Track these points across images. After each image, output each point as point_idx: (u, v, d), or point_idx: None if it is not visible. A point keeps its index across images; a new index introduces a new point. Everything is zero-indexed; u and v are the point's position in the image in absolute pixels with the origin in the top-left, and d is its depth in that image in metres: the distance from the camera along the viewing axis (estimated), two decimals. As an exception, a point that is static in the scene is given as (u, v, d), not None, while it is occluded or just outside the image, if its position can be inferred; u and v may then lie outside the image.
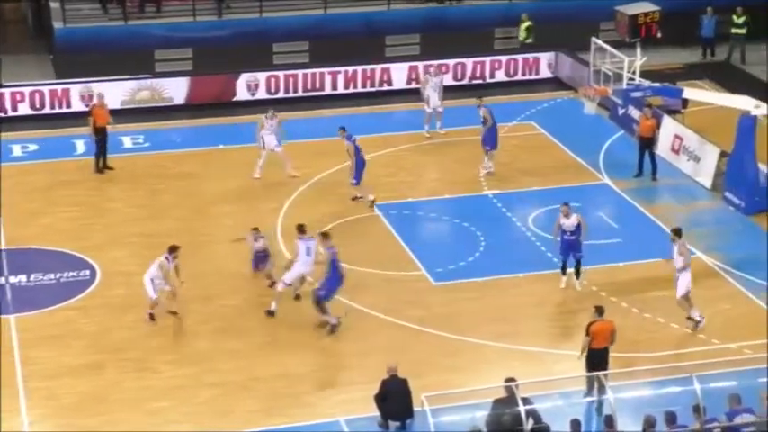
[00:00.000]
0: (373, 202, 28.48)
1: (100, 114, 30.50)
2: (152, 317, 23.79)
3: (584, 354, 21.22)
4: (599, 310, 21.43)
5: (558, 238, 24.88)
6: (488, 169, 30.32)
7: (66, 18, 36.70)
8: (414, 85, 36.13)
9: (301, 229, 24.14)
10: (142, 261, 26.21)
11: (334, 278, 23.53)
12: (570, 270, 24.99)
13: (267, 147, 29.88)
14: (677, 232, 23.91)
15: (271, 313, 24.15)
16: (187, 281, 24.63)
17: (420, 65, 36.24)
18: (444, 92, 33.14)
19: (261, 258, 25.45)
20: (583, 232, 24.65)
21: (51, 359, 22.69)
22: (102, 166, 30.67)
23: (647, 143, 30.46)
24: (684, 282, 23.56)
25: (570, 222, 24.58)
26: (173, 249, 23.83)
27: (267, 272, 25.31)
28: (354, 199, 28.66)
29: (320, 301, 23.54)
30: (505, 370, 21.84)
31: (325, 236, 24.07)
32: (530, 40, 37.84)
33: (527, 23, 37.75)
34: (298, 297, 24.50)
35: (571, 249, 24.73)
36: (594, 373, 20.56)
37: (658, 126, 31.01)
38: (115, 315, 24.25)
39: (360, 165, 28.40)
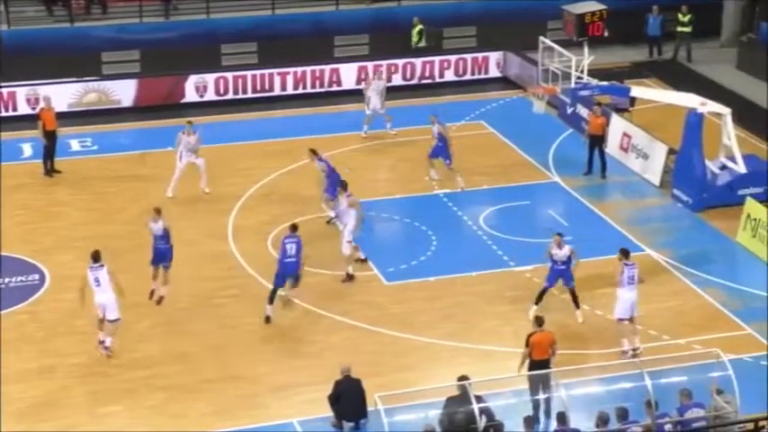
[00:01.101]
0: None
1: (48, 118, 30.22)
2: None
3: (524, 365, 21.02)
4: (538, 321, 21.32)
5: (549, 264, 24.17)
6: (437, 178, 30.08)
7: (11, 20, 36.33)
8: (363, 86, 36.12)
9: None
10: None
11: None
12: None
13: (185, 160, 29.11)
14: (625, 253, 23.16)
15: (350, 277, 25.22)
16: (137, 285, 24.49)
17: (370, 65, 36.25)
18: (394, 92, 33.10)
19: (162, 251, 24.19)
20: (574, 262, 23.96)
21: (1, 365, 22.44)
22: (50, 169, 30.41)
23: (598, 141, 30.65)
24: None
25: (563, 253, 23.84)
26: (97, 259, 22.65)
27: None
28: (330, 222, 27.76)
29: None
30: (458, 368, 21.91)
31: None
32: (422, 44, 37.41)
33: (419, 27, 37.28)
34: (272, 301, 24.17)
35: (562, 278, 24.07)
36: (538, 372, 20.55)
37: (608, 123, 31.23)
38: (65, 319, 24.03)
39: (335, 180, 27.30)
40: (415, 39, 37.48)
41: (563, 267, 23.88)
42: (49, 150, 30.31)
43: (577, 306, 24.07)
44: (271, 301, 23.78)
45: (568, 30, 33.72)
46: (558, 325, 22.76)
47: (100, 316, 22.73)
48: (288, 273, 23.69)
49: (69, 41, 36.35)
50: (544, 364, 20.93)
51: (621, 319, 22.73)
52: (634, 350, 22.70)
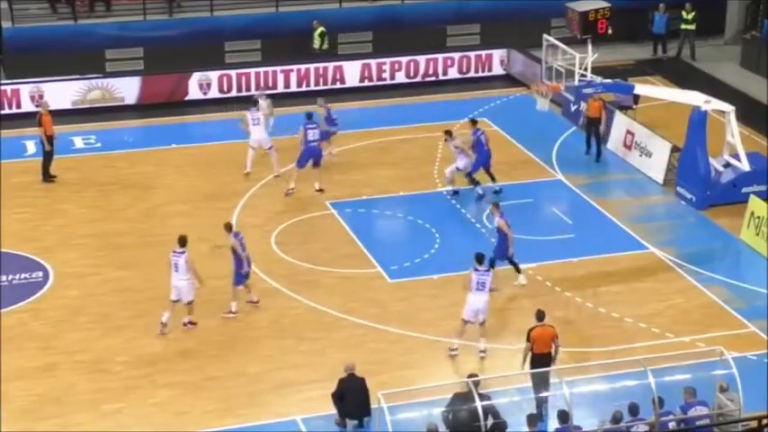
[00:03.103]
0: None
1: (47, 122, 29.96)
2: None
3: (527, 360, 21.11)
4: (539, 316, 21.39)
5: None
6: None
7: (15, 18, 36.34)
8: (367, 83, 36.25)
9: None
10: (94, 262, 26.16)
11: None
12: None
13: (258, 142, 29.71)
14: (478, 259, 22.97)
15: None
16: (140, 282, 24.54)
17: (373, 62, 36.27)
18: (397, 90, 33.02)
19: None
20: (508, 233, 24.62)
21: (4, 362, 22.44)
22: (50, 175, 30.04)
23: (595, 123, 31.25)
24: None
25: (496, 221, 24.75)
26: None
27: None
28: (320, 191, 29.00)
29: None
30: (462, 366, 21.96)
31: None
32: (325, 47, 36.75)
33: (320, 29, 36.60)
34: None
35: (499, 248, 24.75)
36: (542, 370, 20.64)
37: (605, 107, 31.46)
38: (68, 317, 24.06)
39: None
40: (316, 42, 36.65)
41: (498, 239, 24.58)
42: (51, 156, 30.02)
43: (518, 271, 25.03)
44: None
45: (572, 27, 33.67)
46: (560, 322, 22.76)
47: (173, 298, 23.18)
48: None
49: (73, 39, 36.36)
50: (546, 358, 21.02)
51: (465, 321, 22.62)
52: (482, 351, 22.73)
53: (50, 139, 29.95)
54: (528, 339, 21.09)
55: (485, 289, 22.45)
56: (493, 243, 25.96)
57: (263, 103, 30.72)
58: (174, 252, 23.28)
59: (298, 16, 38.03)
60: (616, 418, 18.97)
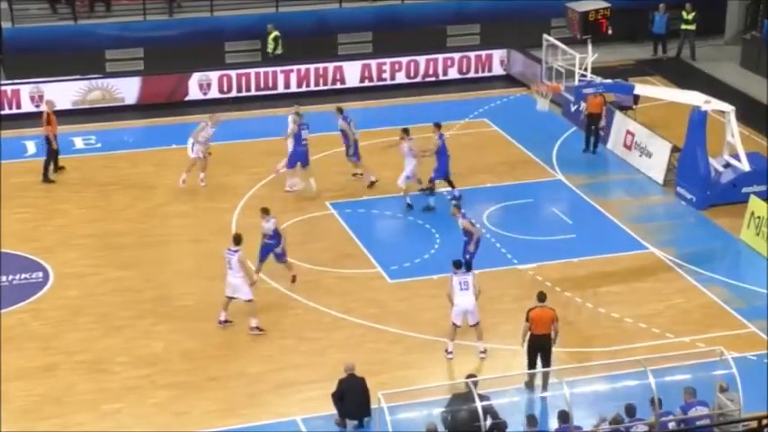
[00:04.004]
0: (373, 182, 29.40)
1: (53, 121, 30.04)
2: None
3: (526, 340, 21.38)
4: (540, 297, 21.59)
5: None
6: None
7: (15, 18, 36.34)
8: (367, 83, 36.27)
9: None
10: (94, 262, 26.16)
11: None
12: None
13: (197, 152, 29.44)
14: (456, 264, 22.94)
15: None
16: (139, 282, 24.52)
17: (373, 62, 36.29)
18: (398, 90, 32.99)
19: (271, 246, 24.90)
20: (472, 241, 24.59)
21: (4, 362, 22.44)
22: (53, 171, 30.18)
23: (596, 119, 31.46)
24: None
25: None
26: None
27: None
28: (355, 175, 29.50)
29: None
30: (462, 366, 21.96)
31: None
32: (279, 51, 36.41)
33: (274, 34, 36.27)
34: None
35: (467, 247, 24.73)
36: (542, 370, 20.79)
37: (605, 103, 31.61)
38: (69, 317, 24.06)
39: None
40: (271, 46, 36.38)
41: (465, 239, 24.58)
42: (55, 155, 30.10)
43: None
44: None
45: (572, 27, 33.70)
46: (561, 322, 22.68)
47: (228, 294, 23.34)
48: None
49: (73, 39, 36.36)
50: (545, 339, 21.24)
51: (454, 324, 22.57)
52: (482, 351, 22.74)
53: (48, 139, 29.96)
54: (526, 319, 21.33)
55: (469, 288, 22.43)
56: (494, 243, 26.05)
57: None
58: (229, 249, 23.35)
59: (298, 16, 38.03)
60: (617, 421, 18.98)
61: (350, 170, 30.10)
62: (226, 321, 23.65)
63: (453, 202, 25.23)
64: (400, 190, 28.75)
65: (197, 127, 29.38)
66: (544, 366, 21.18)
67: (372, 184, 29.48)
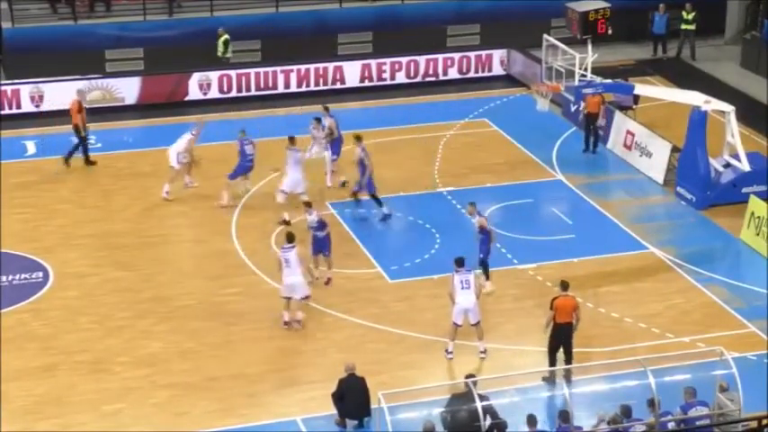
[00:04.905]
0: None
1: (82, 110, 30.47)
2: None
3: (549, 327, 21.62)
4: (564, 285, 21.83)
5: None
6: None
7: (15, 18, 36.35)
8: (367, 83, 36.28)
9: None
10: (94, 262, 26.17)
11: None
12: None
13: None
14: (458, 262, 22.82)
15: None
16: (139, 282, 24.51)
17: (373, 62, 36.31)
18: (397, 90, 32.98)
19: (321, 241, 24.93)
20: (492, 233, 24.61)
21: (4, 362, 22.44)
22: (86, 161, 30.81)
23: (594, 119, 31.49)
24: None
25: (476, 222, 24.64)
26: None
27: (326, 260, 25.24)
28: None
29: None
30: (462, 366, 21.95)
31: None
32: (228, 55, 36.21)
33: (224, 37, 36.02)
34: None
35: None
36: (555, 368, 20.99)
37: (603, 102, 31.66)
38: (68, 317, 24.06)
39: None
40: (220, 49, 36.13)
41: (481, 237, 24.51)
42: (82, 142, 30.62)
43: (487, 278, 24.76)
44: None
45: (572, 27, 33.73)
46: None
47: (284, 294, 23.21)
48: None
49: (73, 39, 36.37)
50: (567, 328, 21.59)
51: (455, 323, 22.54)
52: (482, 352, 22.71)
53: (77, 128, 30.43)
54: (551, 308, 21.56)
55: (470, 287, 22.41)
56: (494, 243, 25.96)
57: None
58: (284, 248, 23.33)
59: (298, 16, 38.05)
60: (615, 421, 18.98)
61: (349, 170, 30.05)
62: (291, 322, 23.45)
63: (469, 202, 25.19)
64: (400, 190, 28.72)
65: (181, 138, 29.13)
66: (566, 354, 21.64)
67: (344, 184, 29.29)
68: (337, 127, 29.56)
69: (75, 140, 30.75)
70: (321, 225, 25.00)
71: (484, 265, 24.74)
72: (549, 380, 21.48)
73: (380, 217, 27.93)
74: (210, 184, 29.61)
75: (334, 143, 29.59)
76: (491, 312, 24.27)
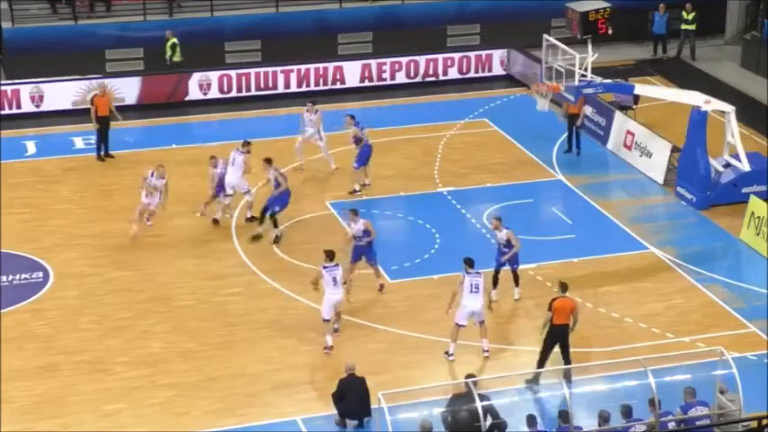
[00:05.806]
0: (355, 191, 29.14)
1: (101, 104, 30.57)
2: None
3: (546, 329, 21.54)
4: (563, 287, 21.77)
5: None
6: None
7: (15, 18, 36.35)
8: (367, 83, 36.27)
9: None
10: (95, 262, 26.16)
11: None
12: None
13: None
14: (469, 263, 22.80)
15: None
16: (140, 282, 24.49)
17: (373, 62, 36.31)
18: (398, 90, 33.00)
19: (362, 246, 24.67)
20: (515, 245, 24.28)
21: (4, 362, 22.44)
22: (103, 155, 30.92)
23: (574, 119, 31.62)
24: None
25: (502, 236, 24.38)
26: None
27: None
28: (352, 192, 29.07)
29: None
30: (463, 366, 21.95)
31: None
32: (177, 59, 35.84)
33: (172, 41, 35.70)
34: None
35: (508, 261, 24.51)
36: (552, 369, 20.90)
37: (585, 102, 31.86)
38: (68, 317, 24.06)
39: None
40: (168, 53, 35.81)
41: (505, 250, 24.28)
42: (102, 136, 30.80)
43: (517, 284, 24.68)
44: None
45: (572, 27, 33.67)
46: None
47: (330, 315, 22.76)
48: None
49: (73, 39, 36.37)
50: (563, 329, 21.50)
51: (459, 325, 22.45)
52: (485, 351, 22.68)
53: (102, 119, 30.72)
54: (549, 309, 21.48)
55: (479, 291, 22.39)
56: (493, 243, 25.99)
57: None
58: (327, 267, 22.65)
59: (298, 16, 38.05)
60: (603, 418, 18.97)
61: (349, 170, 30.07)
62: (333, 337, 23.07)
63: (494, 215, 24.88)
64: (400, 190, 28.74)
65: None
66: (563, 354, 21.57)
67: (335, 169, 29.78)
68: (362, 132, 29.25)
69: (97, 133, 30.98)
70: (365, 233, 24.53)
71: (515, 275, 24.58)
72: (533, 381, 21.32)
73: (272, 239, 26.88)
74: (204, 184, 29.58)
75: (361, 151, 29.18)
76: (490, 313, 24.27)
